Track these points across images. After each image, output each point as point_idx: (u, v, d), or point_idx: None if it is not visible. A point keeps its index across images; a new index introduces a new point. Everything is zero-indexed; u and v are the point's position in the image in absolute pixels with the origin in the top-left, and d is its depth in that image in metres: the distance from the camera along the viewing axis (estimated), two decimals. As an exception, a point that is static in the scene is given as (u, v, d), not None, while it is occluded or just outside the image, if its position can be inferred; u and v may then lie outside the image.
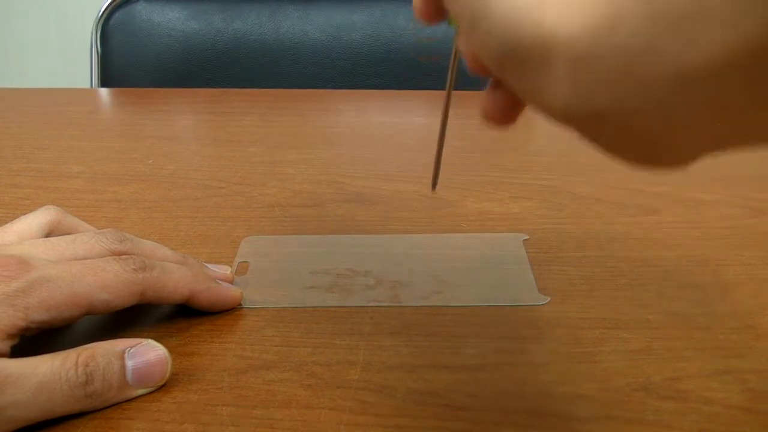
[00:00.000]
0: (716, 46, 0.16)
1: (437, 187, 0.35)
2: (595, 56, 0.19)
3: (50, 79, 1.58)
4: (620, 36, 0.18)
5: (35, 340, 0.31)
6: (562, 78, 0.20)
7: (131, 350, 0.30)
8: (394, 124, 0.66)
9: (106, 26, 0.88)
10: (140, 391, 0.30)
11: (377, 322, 0.35)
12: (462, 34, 0.26)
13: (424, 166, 0.55)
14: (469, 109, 0.70)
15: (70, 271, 0.31)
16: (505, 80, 0.23)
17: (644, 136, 0.19)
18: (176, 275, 0.34)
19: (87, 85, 0.89)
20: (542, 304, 0.37)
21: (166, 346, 0.31)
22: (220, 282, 0.36)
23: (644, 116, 0.18)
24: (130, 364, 0.30)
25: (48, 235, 0.35)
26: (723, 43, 0.16)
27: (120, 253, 0.34)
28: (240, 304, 0.37)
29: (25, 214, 0.36)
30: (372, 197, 0.49)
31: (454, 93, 0.32)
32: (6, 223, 0.35)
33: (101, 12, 0.88)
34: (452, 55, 0.31)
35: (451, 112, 0.32)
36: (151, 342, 0.31)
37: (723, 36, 0.16)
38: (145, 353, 0.30)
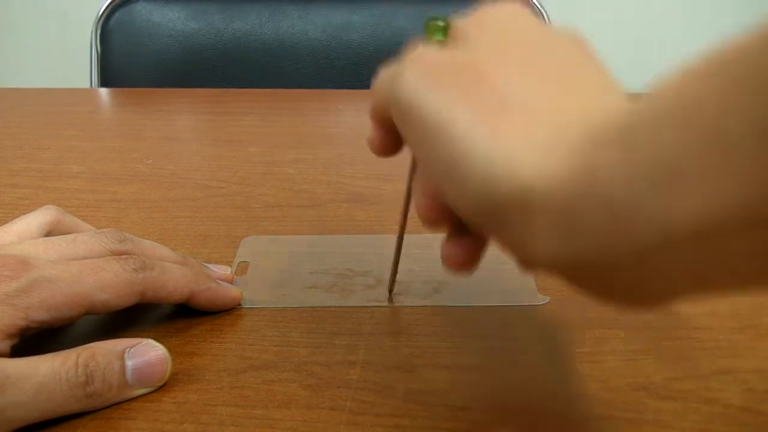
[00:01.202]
0: (698, 209, 0.16)
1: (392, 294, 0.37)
2: (577, 209, 0.18)
3: (50, 79, 1.57)
4: (601, 188, 0.18)
5: (35, 340, 0.31)
6: (542, 230, 0.19)
7: (131, 350, 0.30)
8: (394, 124, 0.66)
9: (106, 26, 0.88)
10: (140, 391, 0.30)
11: (377, 322, 0.35)
12: (424, 180, 0.25)
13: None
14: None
15: (70, 271, 0.31)
16: (480, 229, 0.22)
17: (628, 284, 0.19)
18: (176, 275, 0.34)
19: (87, 85, 0.89)
20: (542, 304, 0.37)
21: (166, 346, 0.31)
22: (220, 282, 0.36)
23: (629, 267, 0.18)
24: (130, 363, 0.30)
25: (48, 234, 0.35)
26: (706, 206, 0.15)
27: (120, 253, 0.34)
28: (240, 304, 0.37)
29: (25, 214, 0.36)
30: (372, 197, 0.49)
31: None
32: (6, 223, 0.35)
33: (101, 12, 0.88)
34: (405, 200, 0.33)
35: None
36: (151, 342, 0.31)
37: (705, 199, 0.15)
38: (145, 353, 0.30)
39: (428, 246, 0.42)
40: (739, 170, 0.15)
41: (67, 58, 1.56)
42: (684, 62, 0.17)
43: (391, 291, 0.37)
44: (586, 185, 0.18)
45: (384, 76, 0.26)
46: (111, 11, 0.88)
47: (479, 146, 0.21)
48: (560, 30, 0.25)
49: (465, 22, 0.25)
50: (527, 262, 0.21)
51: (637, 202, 0.17)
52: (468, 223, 0.23)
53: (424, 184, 0.25)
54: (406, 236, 0.44)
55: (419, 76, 0.23)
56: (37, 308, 0.29)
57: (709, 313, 0.36)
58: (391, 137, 0.28)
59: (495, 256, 0.41)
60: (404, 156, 0.60)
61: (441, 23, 0.26)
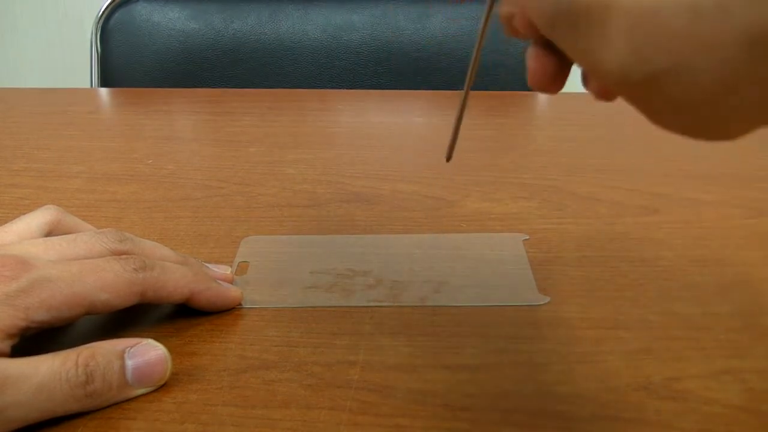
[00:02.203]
0: None
1: (452, 158, 0.34)
2: (659, 15, 0.18)
3: (50, 79, 1.58)
4: None
5: (35, 340, 0.31)
6: (620, 38, 0.19)
7: (131, 350, 0.30)
8: (394, 124, 0.66)
9: (106, 26, 0.88)
10: (140, 391, 0.30)
11: (377, 322, 0.35)
12: None
13: (424, 166, 0.55)
14: (469, 110, 0.70)
15: (70, 271, 0.31)
16: (555, 40, 0.22)
17: (698, 102, 0.19)
18: (176, 275, 0.34)
19: (87, 85, 0.89)
20: (542, 304, 0.37)
21: (166, 346, 0.31)
22: (220, 282, 0.36)
23: (703, 79, 0.18)
24: (130, 363, 0.30)
25: (48, 234, 0.35)
26: None
27: (120, 253, 0.34)
28: (240, 304, 0.37)
29: (25, 214, 0.36)
30: (372, 197, 0.49)
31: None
32: (6, 223, 0.35)
33: (101, 12, 0.88)
34: (484, 18, 0.29)
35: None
36: (151, 342, 0.31)
37: None
38: (145, 353, 0.30)
39: (428, 246, 0.42)
40: None
41: (67, 58, 1.56)
42: None
43: (449, 156, 0.33)
44: None
45: None
46: (111, 11, 0.88)
47: None
48: None
49: None
50: (596, 72, 0.21)
51: (724, 7, 0.17)
52: (543, 32, 0.22)
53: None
54: (406, 236, 0.44)
55: None
56: (38, 308, 0.29)
57: (709, 313, 0.36)
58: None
59: (495, 257, 0.41)
60: (403, 156, 0.60)
61: None
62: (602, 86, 0.23)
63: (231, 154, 0.58)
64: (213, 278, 0.36)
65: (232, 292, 0.36)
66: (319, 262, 0.41)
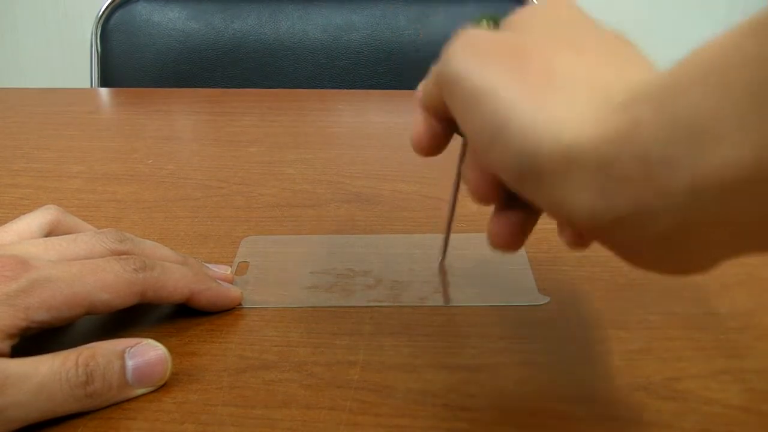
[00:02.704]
0: (724, 160, 0.17)
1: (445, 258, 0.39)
2: (615, 164, 0.19)
3: (50, 79, 1.58)
4: (638, 144, 0.19)
5: (35, 340, 0.31)
6: (582, 187, 0.20)
7: (131, 350, 0.30)
8: (394, 124, 0.66)
9: (106, 26, 0.88)
10: (140, 391, 0.30)
11: (377, 322, 0.35)
12: (473, 154, 0.26)
13: (424, 166, 0.55)
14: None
15: (70, 271, 0.31)
16: (523, 194, 0.23)
17: (661, 242, 0.20)
18: (176, 275, 0.34)
19: (87, 85, 0.89)
20: (542, 304, 0.37)
21: (166, 346, 0.31)
22: (220, 282, 0.36)
23: (662, 222, 0.19)
24: (130, 363, 0.30)
25: (48, 234, 0.35)
26: (733, 156, 0.17)
27: (120, 253, 0.34)
28: (240, 304, 0.37)
29: (25, 214, 0.36)
30: (372, 197, 0.49)
31: None
32: (6, 223, 0.35)
33: (101, 12, 0.88)
34: (455, 179, 0.35)
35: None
36: (151, 342, 0.31)
37: (733, 150, 0.17)
38: (145, 353, 0.30)
39: (428, 246, 0.42)
40: (756, 130, 0.16)
41: (67, 58, 1.56)
42: (721, 31, 0.18)
43: (442, 260, 0.39)
44: (624, 142, 0.19)
45: (436, 65, 0.27)
46: (111, 11, 0.88)
47: (524, 111, 0.22)
48: (604, 24, 0.26)
49: (514, 16, 0.27)
50: (567, 220, 0.22)
51: (671, 156, 0.18)
52: (511, 188, 0.24)
53: (474, 160, 0.26)
54: (406, 236, 0.44)
55: (469, 49, 0.25)
56: (38, 308, 0.29)
57: (709, 313, 0.36)
58: (440, 128, 0.28)
59: (495, 257, 0.41)
60: (403, 156, 0.60)
61: (491, 18, 0.28)
62: (575, 235, 0.25)
63: (231, 154, 0.58)
64: (213, 278, 0.36)
65: (232, 292, 0.36)
66: (319, 262, 0.41)
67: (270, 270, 0.40)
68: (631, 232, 0.20)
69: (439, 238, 0.44)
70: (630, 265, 0.22)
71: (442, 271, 0.40)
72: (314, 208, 0.48)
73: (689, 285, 0.38)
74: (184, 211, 0.47)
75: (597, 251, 0.41)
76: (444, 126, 0.28)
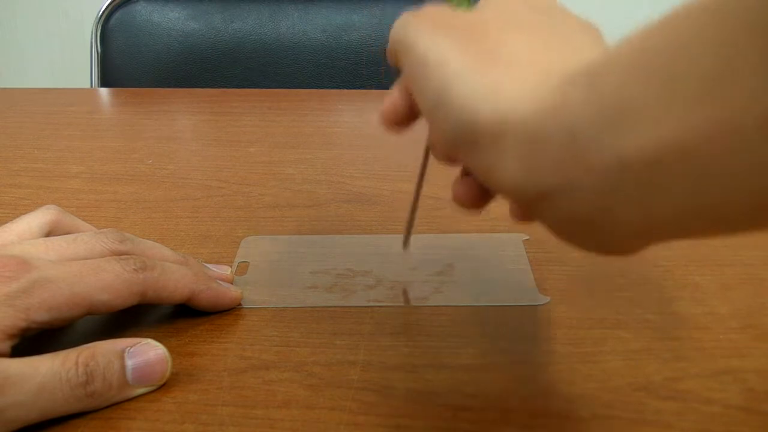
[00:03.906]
0: (645, 140, 0.18)
1: (408, 246, 0.38)
2: (543, 137, 0.20)
3: (50, 79, 1.58)
4: (566, 120, 0.20)
5: (35, 340, 0.31)
6: (512, 157, 0.21)
7: (131, 349, 0.30)
8: (394, 124, 0.65)
9: (106, 26, 0.88)
10: (140, 391, 0.30)
11: (377, 322, 0.35)
12: (423, 118, 0.27)
13: (424, 166, 0.55)
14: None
15: (70, 272, 0.31)
16: (461, 160, 0.25)
17: (588, 219, 0.20)
18: (176, 275, 0.34)
19: (87, 85, 0.89)
20: (542, 304, 0.37)
21: (166, 346, 0.31)
22: (220, 282, 0.36)
23: (586, 197, 0.20)
24: (130, 363, 0.30)
25: (48, 234, 0.35)
26: (650, 138, 0.17)
27: (120, 253, 0.34)
28: (240, 304, 0.37)
29: (25, 214, 0.36)
30: (372, 197, 0.49)
31: None
32: (6, 223, 0.35)
33: (101, 12, 0.88)
34: (424, 151, 0.35)
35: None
36: (151, 341, 0.31)
37: (650, 131, 0.17)
38: (145, 352, 0.30)
39: (428, 246, 0.42)
40: (683, 108, 0.17)
41: (67, 58, 1.56)
42: (649, 19, 0.19)
43: (405, 245, 0.38)
44: (554, 118, 0.20)
45: (398, 22, 0.28)
46: (111, 11, 0.88)
47: (466, 81, 0.23)
48: (574, 13, 0.27)
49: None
50: (497, 189, 0.23)
51: (596, 134, 0.19)
52: (451, 154, 0.25)
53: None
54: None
55: (424, 20, 0.26)
56: (38, 309, 0.29)
57: (709, 313, 0.36)
58: (405, 99, 0.30)
59: (495, 257, 0.41)
60: (403, 156, 0.60)
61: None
62: (516, 207, 0.26)
63: (231, 154, 0.58)
64: (213, 278, 0.36)
65: (232, 292, 0.36)
66: (319, 262, 0.41)
67: (270, 270, 0.40)
68: (556, 207, 0.21)
69: (440, 237, 0.44)
70: (559, 240, 0.22)
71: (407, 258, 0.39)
72: (314, 208, 0.48)
73: (689, 285, 0.38)
74: (185, 211, 0.47)
75: (597, 251, 0.42)
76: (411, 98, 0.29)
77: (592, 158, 0.19)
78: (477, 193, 0.28)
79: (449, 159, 0.27)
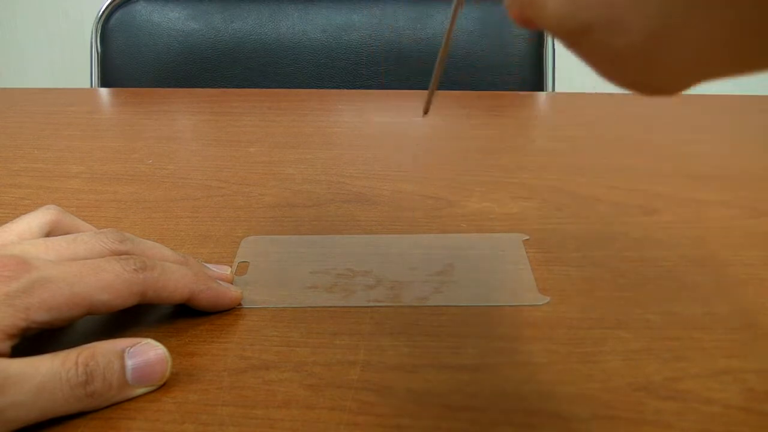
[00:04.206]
0: None
1: (429, 112, 0.34)
2: None
3: (50, 79, 1.58)
4: None
5: (35, 340, 0.31)
6: None
7: (131, 349, 0.30)
8: (394, 124, 0.66)
9: (106, 26, 0.88)
10: (140, 391, 0.30)
11: (377, 322, 0.35)
12: None
13: (424, 166, 0.55)
14: (469, 110, 0.70)
15: (70, 272, 0.31)
16: None
17: (632, 54, 0.19)
18: (176, 275, 0.34)
19: (87, 85, 0.89)
20: (542, 304, 0.37)
21: (166, 346, 0.31)
22: (220, 282, 0.36)
23: (635, 31, 0.18)
24: (130, 363, 0.30)
25: (48, 234, 0.35)
26: None
27: (120, 253, 0.34)
28: (240, 304, 0.37)
29: (25, 214, 0.36)
30: (372, 197, 0.49)
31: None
32: (6, 223, 0.35)
33: (101, 12, 0.88)
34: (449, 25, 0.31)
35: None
36: (151, 341, 0.31)
37: None
38: (145, 352, 0.30)
39: (428, 246, 0.42)
40: None
41: (67, 58, 1.56)
42: None
43: (426, 111, 0.35)
44: None
45: None
46: (111, 11, 0.88)
47: None
48: None
49: None
50: (539, 20, 0.21)
51: None
52: None
53: None
54: (406, 236, 0.44)
55: None
56: (38, 309, 0.29)
57: (709, 313, 0.36)
58: None
59: (495, 257, 0.41)
60: (403, 156, 0.59)
61: None
62: (521, 14, 0.24)
63: (231, 154, 0.58)
64: (213, 278, 0.36)
65: (232, 292, 0.36)
66: (319, 262, 0.41)
67: (270, 270, 0.40)
68: (601, 40, 0.20)
69: (440, 237, 0.44)
70: (602, 77, 0.21)
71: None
72: (314, 208, 0.48)
73: (689, 285, 0.38)
74: (184, 211, 0.47)
75: (597, 251, 0.42)
76: None
77: None
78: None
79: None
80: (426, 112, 0.35)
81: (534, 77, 0.87)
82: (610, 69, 0.21)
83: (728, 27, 0.17)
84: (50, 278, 0.30)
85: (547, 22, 0.21)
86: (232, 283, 0.37)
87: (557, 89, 0.88)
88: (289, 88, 0.83)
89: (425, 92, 0.32)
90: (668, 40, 0.18)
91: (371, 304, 0.37)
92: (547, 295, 0.37)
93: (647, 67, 0.19)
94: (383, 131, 0.64)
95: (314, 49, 0.88)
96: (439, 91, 0.73)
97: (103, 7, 0.88)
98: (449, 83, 0.84)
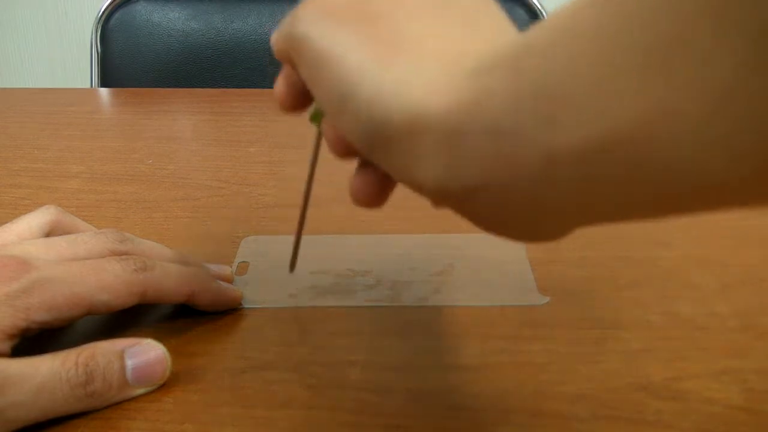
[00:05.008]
0: (583, 132, 0.16)
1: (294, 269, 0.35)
2: (464, 133, 0.18)
3: (50, 79, 1.58)
4: (487, 114, 0.18)
5: (35, 340, 0.31)
6: (431, 155, 0.19)
7: (131, 350, 0.30)
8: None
9: (106, 26, 0.88)
10: (140, 391, 0.30)
11: (377, 322, 0.35)
12: (328, 117, 0.25)
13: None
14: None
15: (70, 272, 0.31)
16: (374, 160, 0.23)
17: (516, 214, 0.19)
18: (176, 275, 0.34)
19: (87, 85, 0.89)
20: (542, 304, 0.37)
21: (166, 346, 0.31)
22: (220, 282, 0.36)
23: (514, 194, 0.18)
24: (130, 363, 0.30)
25: (48, 234, 0.35)
26: (590, 130, 0.16)
27: (120, 253, 0.34)
28: (240, 304, 0.37)
29: (25, 214, 0.36)
30: (372, 197, 0.49)
31: None
32: (6, 223, 0.35)
33: (101, 12, 0.88)
34: (315, 141, 0.33)
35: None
36: (151, 341, 0.31)
37: (590, 123, 0.16)
38: (144, 352, 0.30)
39: (428, 246, 0.42)
40: (621, 95, 0.15)
41: (67, 58, 1.56)
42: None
43: (292, 268, 0.36)
44: (473, 111, 0.18)
45: (285, 20, 0.26)
46: (111, 11, 0.88)
47: (370, 76, 0.21)
48: None
49: None
50: (415, 187, 0.21)
51: (521, 128, 0.17)
52: (363, 154, 0.23)
53: (330, 122, 0.26)
54: (406, 236, 0.44)
55: (317, 10, 0.23)
56: (38, 309, 0.29)
57: (709, 313, 0.36)
58: (300, 81, 0.27)
59: (495, 257, 0.41)
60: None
61: None
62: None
63: (231, 154, 0.58)
64: (213, 278, 0.36)
65: (232, 292, 0.36)
66: (319, 262, 0.41)
67: (270, 270, 0.40)
68: (480, 203, 0.19)
69: (440, 237, 0.44)
70: (489, 233, 0.21)
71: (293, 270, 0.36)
72: (314, 208, 0.48)
73: (689, 285, 0.38)
74: (184, 211, 0.47)
75: (597, 251, 0.42)
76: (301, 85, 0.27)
77: (519, 154, 0.17)
78: (377, 188, 0.26)
79: (348, 155, 0.25)
80: (292, 269, 0.35)
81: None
82: (491, 227, 0.20)
83: (608, 197, 0.17)
84: (50, 278, 0.30)
85: (425, 189, 0.21)
86: (232, 283, 0.37)
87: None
88: (289, 88, 0.83)
89: None
90: (542, 201, 0.18)
91: (371, 304, 0.37)
92: (547, 295, 0.37)
93: (531, 223, 0.19)
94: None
95: (314, 49, 0.88)
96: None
97: (103, 7, 0.88)
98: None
